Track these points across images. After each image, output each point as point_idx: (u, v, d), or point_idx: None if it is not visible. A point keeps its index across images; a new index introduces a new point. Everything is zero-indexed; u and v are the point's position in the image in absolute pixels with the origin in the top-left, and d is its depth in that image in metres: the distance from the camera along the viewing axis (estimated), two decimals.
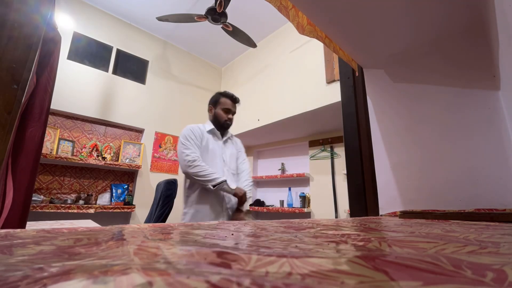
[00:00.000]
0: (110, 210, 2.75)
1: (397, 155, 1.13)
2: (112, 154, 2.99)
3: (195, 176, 1.44)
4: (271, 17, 3.11)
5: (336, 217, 2.87)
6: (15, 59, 0.55)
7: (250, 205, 3.72)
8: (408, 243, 0.33)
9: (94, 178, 2.94)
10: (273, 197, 3.77)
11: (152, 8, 3.10)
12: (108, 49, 3.17)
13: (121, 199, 2.94)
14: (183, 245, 0.30)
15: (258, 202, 3.72)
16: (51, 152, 2.54)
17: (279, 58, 3.22)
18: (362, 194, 1.22)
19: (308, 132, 3.39)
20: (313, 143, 3.40)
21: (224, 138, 1.68)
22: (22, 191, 0.75)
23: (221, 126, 1.65)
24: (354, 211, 1.25)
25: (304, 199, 3.15)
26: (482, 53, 0.93)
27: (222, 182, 1.43)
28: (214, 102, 1.67)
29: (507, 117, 0.85)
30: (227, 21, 2.38)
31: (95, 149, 2.89)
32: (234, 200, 1.56)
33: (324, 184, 3.10)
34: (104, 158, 2.89)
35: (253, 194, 1.65)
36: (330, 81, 2.46)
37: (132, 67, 3.37)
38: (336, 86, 2.35)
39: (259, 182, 4.08)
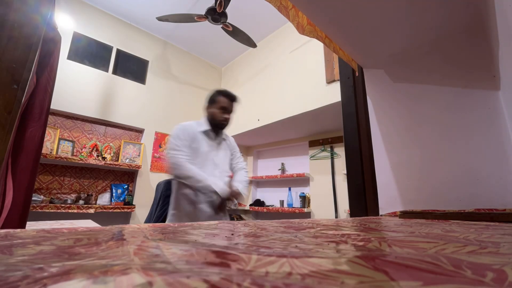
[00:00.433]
0: (110, 210, 2.75)
1: (397, 155, 1.13)
2: (112, 154, 2.99)
3: (178, 178, 1.42)
4: (271, 17, 3.11)
5: (336, 217, 2.87)
6: (15, 59, 0.55)
7: (250, 205, 3.72)
8: (408, 243, 0.33)
9: (94, 178, 2.94)
10: (273, 197, 3.77)
11: (152, 8, 3.10)
12: (108, 49, 3.17)
13: (121, 199, 2.94)
14: (183, 245, 0.30)
15: (258, 202, 3.72)
16: (51, 152, 2.53)
17: (279, 58, 3.22)
18: (362, 194, 1.22)
19: (308, 132, 3.39)
20: (313, 143, 3.40)
21: (218, 140, 1.59)
22: (22, 191, 0.75)
23: (216, 125, 1.55)
24: (354, 211, 1.25)
25: (304, 199, 3.15)
26: (482, 53, 0.93)
27: (204, 186, 1.38)
28: (211, 100, 1.58)
29: (507, 117, 0.85)
30: (227, 21, 2.38)
31: (95, 149, 2.89)
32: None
33: (324, 184, 3.10)
34: (104, 158, 2.89)
35: (246, 192, 1.59)
36: (330, 81, 2.46)
37: (132, 67, 3.37)
38: (336, 86, 2.35)
39: (259, 182, 4.08)
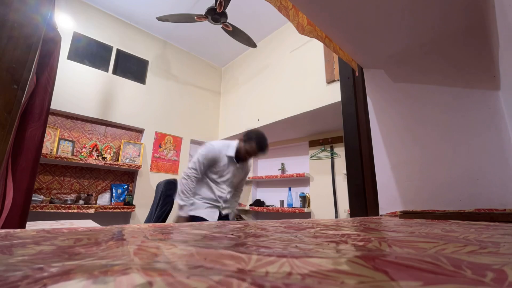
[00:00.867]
0: (110, 210, 2.75)
1: (397, 155, 1.13)
2: (112, 154, 2.99)
3: (179, 185, 1.67)
4: (271, 17, 3.11)
5: (336, 217, 2.87)
6: (15, 59, 0.55)
7: (250, 205, 3.72)
8: (408, 243, 0.33)
9: (94, 178, 2.94)
10: (273, 197, 3.77)
11: (152, 8, 3.10)
12: (108, 49, 3.17)
13: (121, 199, 2.94)
14: (183, 245, 0.30)
15: (258, 202, 3.72)
16: (51, 152, 2.53)
17: (279, 58, 3.22)
18: (362, 194, 1.22)
19: (308, 132, 3.39)
20: (313, 143, 3.40)
21: (239, 164, 1.85)
22: (22, 191, 0.75)
23: (238, 158, 1.83)
24: (354, 211, 1.25)
25: (304, 199, 3.15)
26: (482, 53, 0.93)
27: (180, 216, 1.62)
28: (248, 139, 1.80)
29: (507, 117, 0.85)
30: (227, 21, 2.38)
31: (95, 149, 2.89)
32: (228, 197, 1.80)
33: (324, 184, 3.10)
34: (104, 158, 2.89)
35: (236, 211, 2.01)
36: (330, 81, 2.46)
37: (132, 67, 3.37)
38: (336, 86, 2.35)
39: (259, 182, 4.08)
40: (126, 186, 3.05)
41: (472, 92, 0.95)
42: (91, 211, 2.58)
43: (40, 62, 0.81)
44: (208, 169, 1.74)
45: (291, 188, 3.44)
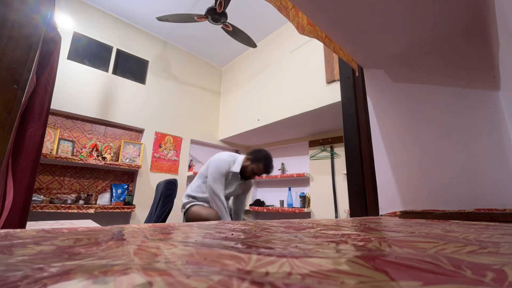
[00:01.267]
0: (110, 210, 2.75)
1: (397, 155, 1.13)
2: (112, 154, 2.99)
3: (211, 200, 1.81)
4: (271, 17, 3.11)
5: (336, 217, 2.87)
6: (15, 59, 0.55)
7: (250, 205, 3.72)
8: (408, 243, 0.33)
9: (94, 178, 2.93)
10: (273, 197, 3.77)
11: (152, 8, 3.10)
12: (108, 49, 3.16)
13: (121, 199, 2.94)
14: (183, 245, 0.30)
15: (258, 202, 3.72)
16: (51, 152, 2.53)
17: (279, 58, 3.22)
18: (362, 194, 1.22)
19: (308, 132, 3.39)
20: (313, 143, 3.40)
21: (242, 180, 1.96)
22: (22, 191, 0.75)
23: (243, 175, 1.92)
24: (354, 211, 1.25)
25: (304, 199, 3.15)
26: (482, 53, 0.93)
27: (220, 219, 1.78)
28: (255, 159, 1.89)
29: (507, 117, 0.85)
30: (227, 21, 2.37)
31: (95, 149, 2.89)
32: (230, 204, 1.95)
33: (324, 184, 3.10)
34: (104, 158, 2.89)
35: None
36: (330, 81, 2.46)
37: (132, 67, 3.37)
38: (336, 86, 2.35)
39: (259, 182, 4.08)
40: (126, 186, 3.05)
41: (472, 92, 0.95)
42: (91, 211, 2.58)
43: (40, 62, 0.81)
44: None
45: (291, 188, 3.44)
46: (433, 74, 1.06)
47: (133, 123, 3.19)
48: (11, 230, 0.37)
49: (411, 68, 1.12)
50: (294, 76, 2.92)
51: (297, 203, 3.31)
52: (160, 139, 3.40)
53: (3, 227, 0.68)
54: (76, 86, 2.79)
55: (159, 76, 3.56)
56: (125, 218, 3.01)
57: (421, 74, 1.10)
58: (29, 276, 0.16)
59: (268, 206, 3.58)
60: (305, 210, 3.06)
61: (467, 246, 0.30)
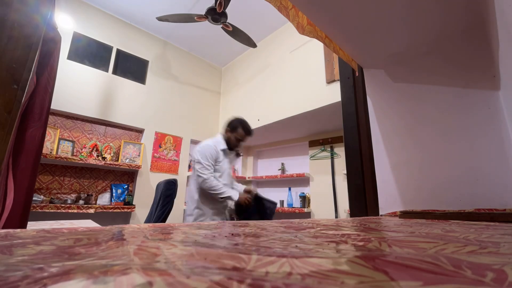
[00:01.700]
0: (110, 210, 2.75)
1: (397, 155, 1.13)
2: (112, 154, 2.99)
3: (207, 190, 1.79)
4: (271, 17, 3.11)
5: (336, 217, 2.87)
6: (15, 59, 0.55)
7: None
8: (408, 243, 0.33)
9: (94, 178, 2.93)
10: (273, 197, 3.75)
11: (152, 8, 3.10)
12: (108, 49, 3.16)
13: (121, 199, 2.94)
14: (183, 245, 0.30)
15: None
16: (51, 152, 2.53)
17: (279, 58, 3.22)
18: (362, 194, 1.22)
19: (308, 132, 3.38)
20: (313, 143, 3.40)
21: (231, 155, 2.03)
22: (23, 191, 0.75)
23: (230, 148, 1.98)
24: (354, 211, 1.25)
25: (304, 199, 3.15)
26: (482, 53, 0.93)
27: (227, 196, 1.79)
28: (232, 128, 1.95)
29: (507, 117, 0.85)
30: (227, 21, 2.37)
31: (95, 149, 2.89)
32: (232, 204, 1.95)
33: (324, 184, 3.10)
34: (104, 158, 2.89)
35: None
36: (330, 81, 2.46)
37: (132, 67, 3.37)
38: (336, 86, 2.35)
39: (259, 182, 4.07)
40: (126, 186, 3.05)
41: (472, 92, 0.95)
42: (91, 211, 2.58)
43: (40, 62, 0.81)
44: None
45: (291, 188, 3.44)
46: (433, 74, 1.06)
47: (133, 123, 3.19)
48: (11, 230, 0.37)
49: (411, 68, 1.12)
50: (294, 76, 2.92)
51: (297, 203, 3.31)
52: (160, 139, 3.40)
53: (4, 227, 0.68)
54: (76, 86, 2.79)
55: (159, 76, 3.56)
56: (125, 218, 3.01)
57: (421, 74, 1.10)
58: (29, 276, 0.16)
59: None
60: (305, 210, 3.06)
61: (467, 246, 0.30)
